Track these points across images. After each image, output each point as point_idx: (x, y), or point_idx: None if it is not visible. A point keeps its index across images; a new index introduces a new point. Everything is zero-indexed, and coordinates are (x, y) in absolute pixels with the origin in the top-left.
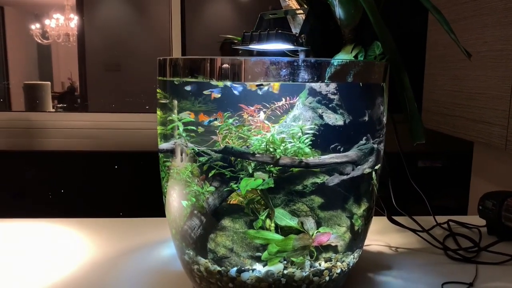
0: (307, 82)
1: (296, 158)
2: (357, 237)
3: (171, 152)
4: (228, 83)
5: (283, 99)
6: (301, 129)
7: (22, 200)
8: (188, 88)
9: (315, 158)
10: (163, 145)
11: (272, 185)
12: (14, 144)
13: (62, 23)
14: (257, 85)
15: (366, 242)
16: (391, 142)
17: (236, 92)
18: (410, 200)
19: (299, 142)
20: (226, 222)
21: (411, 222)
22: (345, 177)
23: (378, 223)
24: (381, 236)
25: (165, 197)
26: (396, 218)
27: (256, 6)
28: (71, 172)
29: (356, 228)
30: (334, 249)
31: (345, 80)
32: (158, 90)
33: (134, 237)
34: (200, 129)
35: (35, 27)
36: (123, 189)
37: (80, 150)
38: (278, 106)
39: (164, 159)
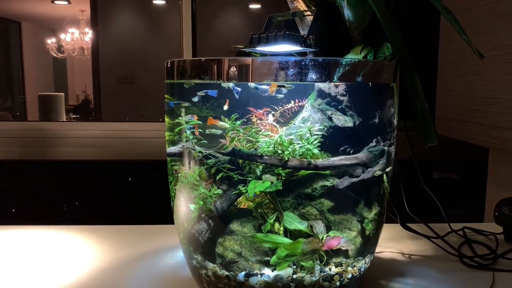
0: (316, 82)
1: (305, 160)
2: (368, 242)
3: (179, 156)
4: (232, 85)
5: (292, 102)
6: (309, 130)
7: (35, 208)
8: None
9: (324, 160)
10: (171, 149)
11: (281, 188)
12: (27, 154)
13: (77, 37)
14: (278, 86)
15: (378, 249)
16: (406, 150)
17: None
18: (424, 208)
19: (308, 143)
20: (234, 226)
21: (425, 229)
22: (355, 179)
23: (391, 230)
24: (394, 243)
25: (173, 201)
26: (409, 225)
27: (267, 14)
28: (83, 180)
29: (367, 232)
30: (345, 253)
31: (354, 80)
32: (166, 96)
33: (143, 243)
34: (198, 131)
35: (51, 41)
36: (135, 197)
37: (92, 159)
38: (287, 108)
39: (172, 163)
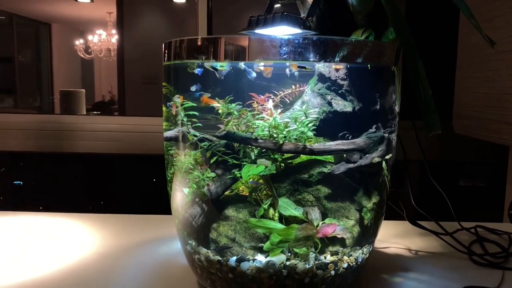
0: (311, 61)
1: (300, 144)
2: (366, 232)
3: (174, 140)
4: (258, 65)
5: (293, 86)
6: (304, 113)
7: (51, 198)
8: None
9: (320, 144)
10: (167, 133)
11: (274, 171)
12: (45, 146)
13: (104, 38)
14: (299, 67)
15: (384, 244)
16: (430, 149)
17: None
18: (438, 207)
19: (302, 126)
20: (229, 211)
21: (435, 228)
22: (352, 165)
23: (399, 226)
24: (401, 239)
25: (169, 186)
26: (418, 222)
27: None
28: (99, 173)
29: (365, 222)
30: (342, 242)
31: (353, 61)
32: (163, 83)
33: (145, 232)
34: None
35: (79, 42)
36: (147, 190)
37: (108, 152)
38: (287, 93)
39: (168, 148)
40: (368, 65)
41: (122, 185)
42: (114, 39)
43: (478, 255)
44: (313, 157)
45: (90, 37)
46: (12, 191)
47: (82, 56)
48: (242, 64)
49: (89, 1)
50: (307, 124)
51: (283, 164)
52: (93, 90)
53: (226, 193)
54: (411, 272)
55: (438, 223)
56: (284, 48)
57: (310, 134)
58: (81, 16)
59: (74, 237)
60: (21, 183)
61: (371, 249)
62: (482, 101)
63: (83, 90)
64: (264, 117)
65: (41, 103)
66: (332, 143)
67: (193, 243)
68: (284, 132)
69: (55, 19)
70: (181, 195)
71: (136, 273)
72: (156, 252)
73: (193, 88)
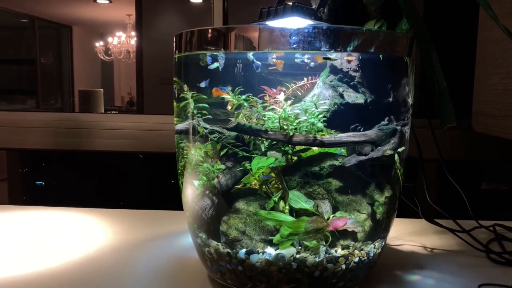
0: (325, 51)
1: (310, 135)
2: (378, 226)
3: (185, 133)
4: (252, 57)
5: (305, 79)
6: (315, 104)
7: (72, 195)
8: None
9: (330, 136)
10: (178, 126)
11: (284, 163)
12: (62, 144)
13: (123, 40)
14: (324, 58)
15: (399, 242)
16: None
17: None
18: (456, 206)
19: (312, 117)
20: (239, 204)
21: (452, 225)
22: (363, 157)
23: (415, 224)
24: (416, 237)
25: (180, 179)
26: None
27: None
28: (117, 171)
29: (377, 216)
30: (353, 236)
31: (365, 51)
32: (174, 79)
33: (159, 226)
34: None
35: (99, 44)
36: (164, 187)
37: (125, 150)
38: (299, 85)
39: (179, 141)
40: (380, 56)
41: (140, 182)
42: (133, 41)
43: (496, 253)
44: (325, 149)
45: (110, 39)
46: (34, 191)
47: (102, 58)
48: (250, 55)
49: (108, 1)
50: (317, 115)
51: (295, 158)
52: (113, 92)
53: (237, 186)
54: (425, 269)
55: (455, 221)
56: (294, 38)
57: (320, 125)
58: (101, 19)
59: (89, 231)
60: (43, 183)
61: (383, 244)
62: (502, 98)
63: (101, 89)
64: (274, 108)
65: (62, 104)
66: (343, 135)
67: (203, 236)
68: (294, 124)
69: (76, 21)
70: (191, 188)
71: (147, 266)
72: (169, 246)
73: (203, 82)
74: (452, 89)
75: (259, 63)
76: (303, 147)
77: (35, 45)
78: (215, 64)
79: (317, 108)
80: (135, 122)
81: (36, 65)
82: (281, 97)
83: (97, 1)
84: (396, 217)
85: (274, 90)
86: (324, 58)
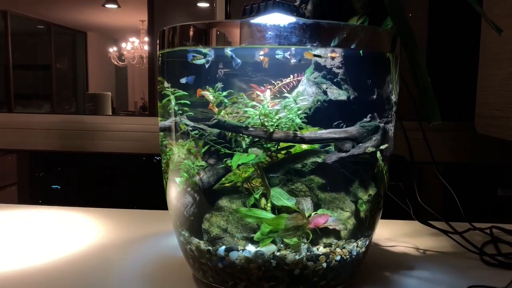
0: (300, 46)
1: (291, 132)
2: (362, 224)
3: (168, 131)
4: (231, 53)
5: (291, 76)
6: (294, 100)
7: (76, 194)
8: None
9: (311, 133)
10: (161, 123)
11: (264, 160)
12: (67, 145)
13: (136, 46)
14: (314, 55)
15: (391, 243)
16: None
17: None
18: (469, 211)
19: (291, 113)
20: (222, 201)
21: (446, 226)
22: (344, 154)
23: (408, 226)
24: (409, 238)
25: (164, 177)
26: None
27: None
28: (121, 172)
29: (361, 214)
30: (336, 234)
31: (347, 47)
32: (159, 78)
33: (152, 225)
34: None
35: (113, 50)
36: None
37: (130, 152)
38: (285, 83)
39: (163, 139)
40: (361, 52)
41: (148, 184)
42: (147, 46)
43: (490, 255)
44: (310, 146)
45: (123, 45)
46: (51, 195)
47: (116, 63)
48: (228, 51)
49: (116, 7)
50: (296, 112)
51: (279, 155)
52: (127, 97)
53: (226, 184)
54: (415, 270)
55: (448, 223)
56: (270, 33)
57: (299, 121)
58: (116, 25)
59: (80, 229)
60: (59, 187)
61: (367, 243)
62: (505, 99)
63: (109, 93)
64: (255, 105)
65: (76, 108)
66: (323, 131)
67: (186, 234)
68: (274, 120)
69: (91, 27)
70: (174, 185)
71: (135, 265)
72: (158, 245)
73: (183, 79)
74: (456, 90)
75: (239, 59)
76: (287, 144)
77: (51, 51)
78: (201, 61)
79: (296, 104)
80: (141, 124)
81: (52, 70)
82: (267, 94)
83: (106, 5)
84: (390, 218)
85: (261, 87)
86: (315, 55)
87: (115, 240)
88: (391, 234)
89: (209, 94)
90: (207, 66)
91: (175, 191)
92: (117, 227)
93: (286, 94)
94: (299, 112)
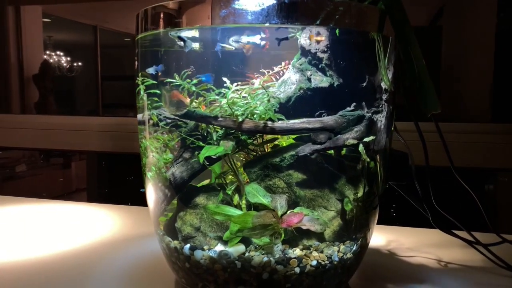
0: (279, 25)
1: (261, 122)
2: (345, 226)
3: (142, 124)
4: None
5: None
6: (264, 88)
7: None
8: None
9: (282, 123)
10: (138, 116)
11: (230, 152)
12: (121, 147)
13: None
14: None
15: (409, 253)
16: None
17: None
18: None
19: (251, 99)
20: (198, 199)
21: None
22: (318, 146)
23: (428, 235)
24: (431, 248)
25: (143, 171)
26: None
27: None
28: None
29: (347, 214)
30: (319, 236)
31: (327, 24)
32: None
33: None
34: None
35: None
36: None
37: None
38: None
39: (140, 132)
40: (337, 31)
41: None
42: None
43: None
44: (290, 140)
45: None
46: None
47: None
48: (173, 33)
49: None
50: (260, 98)
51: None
52: None
53: (211, 182)
54: (435, 285)
55: (470, 233)
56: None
57: (261, 109)
58: None
59: (91, 225)
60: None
61: (355, 247)
62: None
63: None
64: (222, 92)
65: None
66: (296, 121)
67: (161, 232)
68: (242, 109)
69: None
70: (147, 180)
71: (122, 262)
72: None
73: (151, 69)
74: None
75: (191, 42)
76: (272, 136)
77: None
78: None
79: (266, 91)
80: None
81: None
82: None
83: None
84: (409, 226)
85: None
86: (281, 39)
87: (110, 237)
88: (410, 243)
89: (176, 82)
90: (186, 50)
91: (148, 186)
92: (127, 223)
93: (254, 81)
94: (273, 100)
